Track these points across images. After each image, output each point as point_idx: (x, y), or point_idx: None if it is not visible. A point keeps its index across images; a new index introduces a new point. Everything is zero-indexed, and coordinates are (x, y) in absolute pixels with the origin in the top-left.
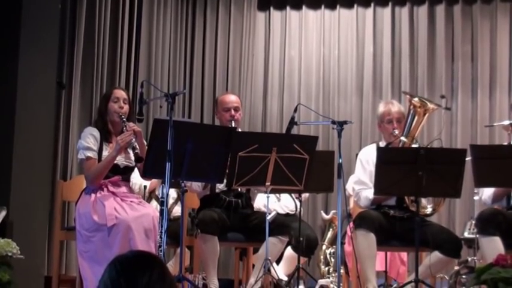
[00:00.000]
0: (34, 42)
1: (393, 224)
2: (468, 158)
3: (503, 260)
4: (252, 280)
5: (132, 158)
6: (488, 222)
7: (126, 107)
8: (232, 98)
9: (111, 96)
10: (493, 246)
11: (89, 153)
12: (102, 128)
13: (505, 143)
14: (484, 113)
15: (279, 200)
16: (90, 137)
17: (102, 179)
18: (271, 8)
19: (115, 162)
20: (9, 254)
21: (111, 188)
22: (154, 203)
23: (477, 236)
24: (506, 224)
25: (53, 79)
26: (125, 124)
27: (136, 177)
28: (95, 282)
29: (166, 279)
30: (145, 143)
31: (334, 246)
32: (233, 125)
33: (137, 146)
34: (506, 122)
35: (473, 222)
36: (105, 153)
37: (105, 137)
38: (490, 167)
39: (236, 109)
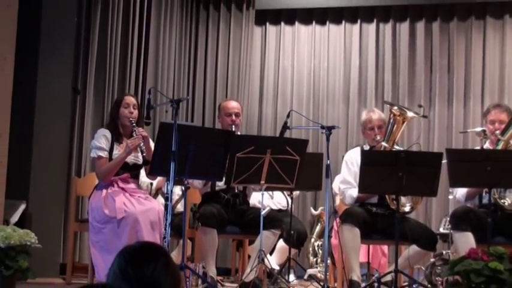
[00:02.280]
0: (52, 52)
1: (375, 219)
2: (444, 161)
3: (475, 254)
4: (247, 269)
5: (140, 157)
6: (461, 219)
7: (135, 112)
8: (233, 105)
9: (122, 102)
10: (465, 240)
11: (101, 153)
12: (113, 130)
13: (478, 148)
14: (459, 120)
15: (272, 197)
16: (102, 138)
17: (113, 176)
18: (267, 23)
19: (126, 160)
20: (28, 243)
21: (120, 184)
22: (160, 199)
23: (451, 231)
24: (477, 220)
25: (68, 85)
26: (134, 128)
27: (144, 176)
28: (105, 269)
29: (170, 268)
30: (152, 145)
31: (321, 239)
32: (233, 129)
33: (145, 150)
34: (479, 129)
35: (448, 219)
36: (115, 152)
37: (116, 138)
38: (464, 169)
39: (237, 115)
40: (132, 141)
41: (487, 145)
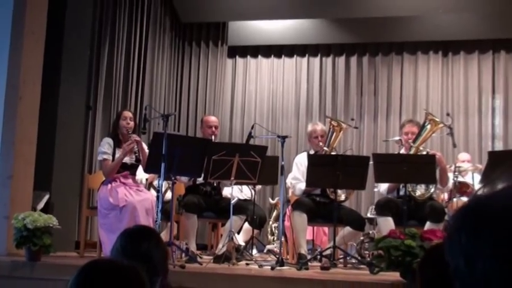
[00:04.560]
0: (70, 77)
1: (318, 207)
2: (371, 163)
3: (394, 234)
4: (220, 245)
5: (134, 158)
6: (384, 207)
7: (131, 124)
8: (213, 119)
9: (121, 115)
10: (386, 223)
11: (105, 156)
12: (114, 138)
13: (396, 152)
14: (382, 131)
15: (242, 190)
16: (106, 145)
17: (115, 174)
18: (237, 56)
19: (124, 161)
20: (51, 225)
21: (122, 180)
22: (153, 191)
23: (376, 216)
24: (396, 208)
25: (83, 103)
26: (130, 135)
27: (140, 173)
28: (110, 245)
29: (160, 245)
30: (146, 148)
31: (277, 222)
32: (212, 138)
33: (138, 151)
34: (397, 138)
35: (373, 206)
36: (117, 155)
37: (117, 144)
38: (386, 169)
39: (216, 127)
40: (126, 145)
41: (403, 151)
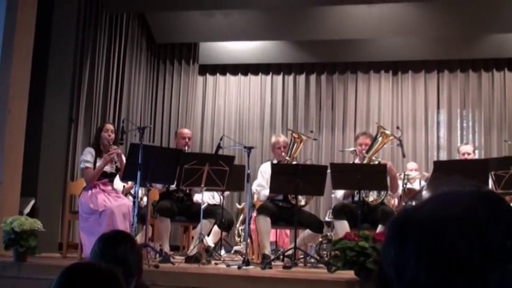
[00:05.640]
0: (54, 92)
1: (281, 211)
2: (328, 171)
3: (349, 236)
4: (191, 246)
5: (115, 167)
6: (340, 211)
7: (113, 135)
8: (187, 131)
9: (103, 128)
10: (342, 226)
11: (87, 164)
12: (96, 148)
13: (351, 162)
14: (339, 142)
15: (213, 196)
16: (88, 154)
17: (96, 181)
18: (207, 74)
19: (105, 169)
20: (36, 228)
21: (101, 187)
22: (130, 197)
23: (333, 220)
24: (351, 212)
25: (66, 116)
26: (111, 146)
27: (116, 183)
28: (90, 247)
29: (135, 248)
30: (124, 159)
31: (244, 225)
32: (186, 149)
33: (118, 161)
34: (352, 149)
35: (331, 211)
36: (98, 164)
37: (99, 154)
38: (342, 177)
39: (189, 138)
40: (108, 154)
41: (357, 160)
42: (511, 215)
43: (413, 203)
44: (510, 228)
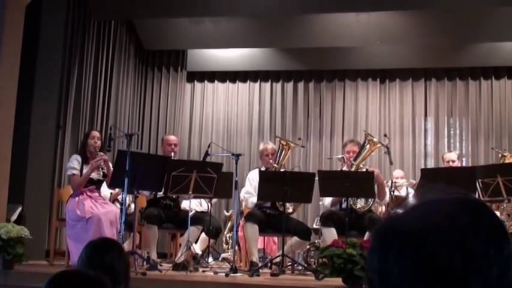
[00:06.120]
0: (42, 99)
1: (269, 218)
2: (316, 178)
3: (337, 243)
4: (179, 254)
5: (102, 174)
6: (328, 219)
7: (99, 142)
8: (173, 138)
9: (89, 135)
10: (330, 234)
11: (74, 171)
12: (83, 155)
13: (339, 169)
14: (327, 150)
15: (201, 204)
16: (75, 161)
17: (82, 188)
18: (195, 81)
19: (91, 176)
20: (23, 235)
21: (88, 194)
22: (117, 204)
23: (321, 227)
24: (339, 220)
25: (53, 123)
26: (97, 153)
27: (104, 190)
28: (77, 254)
29: (122, 255)
30: (111, 165)
31: (231, 232)
32: (172, 156)
33: (104, 167)
34: (339, 156)
35: (319, 218)
36: (84, 170)
37: (85, 160)
38: (330, 184)
39: (175, 145)
40: (94, 161)
41: (345, 168)
42: (493, 222)
43: (399, 211)
44: (492, 234)
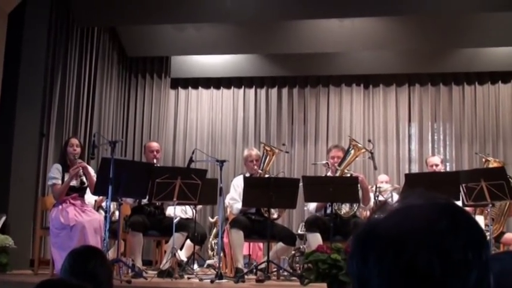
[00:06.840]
0: (26, 107)
1: (254, 224)
2: (301, 184)
3: (322, 248)
4: (164, 261)
5: (84, 181)
6: (312, 224)
7: (78, 150)
8: (155, 145)
9: (68, 142)
10: (315, 239)
11: (55, 181)
12: (63, 164)
13: (323, 175)
14: (311, 155)
15: (186, 211)
16: (55, 170)
17: (65, 196)
18: (179, 87)
19: (72, 184)
20: (7, 245)
21: (71, 201)
22: (101, 212)
23: (305, 232)
24: (324, 225)
25: (37, 130)
26: (76, 161)
27: (88, 197)
28: (61, 262)
29: (105, 264)
30: (92, 172)
31: (217, 239)
32: (155, 162)
33: (82, 175)
34: (324, 162)
35: (303, 224)
36: (65, 178)
37: (66, 169)
38: (314, 189)
39: (157, 151)
40: (72, 169)
41: (329, 173)
42: (472, 226)
43: (379, 216)
44: (471, 239)
